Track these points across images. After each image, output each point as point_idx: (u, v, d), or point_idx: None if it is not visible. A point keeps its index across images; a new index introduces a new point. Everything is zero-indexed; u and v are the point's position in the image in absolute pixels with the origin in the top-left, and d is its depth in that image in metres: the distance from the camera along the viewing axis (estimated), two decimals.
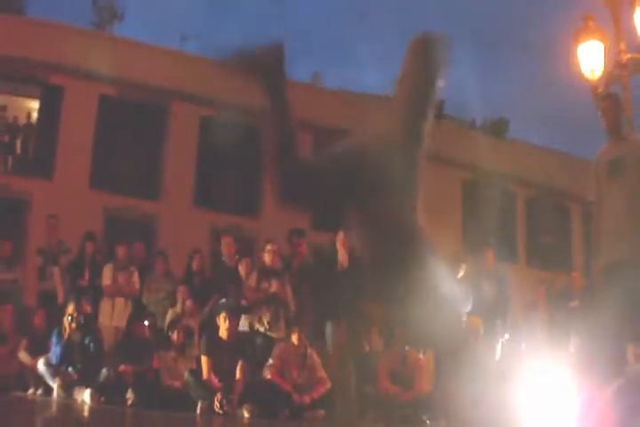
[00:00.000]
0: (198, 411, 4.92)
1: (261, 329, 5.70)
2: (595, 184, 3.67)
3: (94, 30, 12.00)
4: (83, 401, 5.07)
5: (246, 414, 4.86)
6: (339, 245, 5.53)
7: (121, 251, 6.36)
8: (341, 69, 44.00)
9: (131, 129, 10.41)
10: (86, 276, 6.26)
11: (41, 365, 5.38)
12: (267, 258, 5.90)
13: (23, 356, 5.67)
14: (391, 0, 45.86)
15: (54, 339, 5.51)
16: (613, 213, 3.56)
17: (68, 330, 5.51)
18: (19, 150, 10.43)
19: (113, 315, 6.06)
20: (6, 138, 10.46)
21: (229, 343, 5.14)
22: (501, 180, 12.20)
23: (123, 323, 5.94)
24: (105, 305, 6.11)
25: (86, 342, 5.52)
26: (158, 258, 6.68)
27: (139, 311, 6.10)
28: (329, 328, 5.40)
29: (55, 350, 5.47)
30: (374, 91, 15.73)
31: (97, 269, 6.26)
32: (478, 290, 5.99)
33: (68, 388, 5.25)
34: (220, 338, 5.17)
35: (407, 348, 5.41)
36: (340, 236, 5.55)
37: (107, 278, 6.16)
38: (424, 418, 5.21)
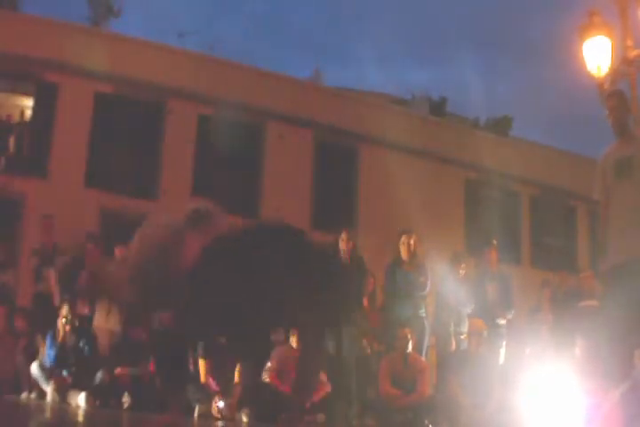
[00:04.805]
0: (196, 415, 4.84)
1: None
2: (601, 183, 3.60)
3: (90, 27, 11.85)
4: (77, 405, 4.99)
5: (245, 418, 4.80)
6: (341, 245, 5.46)
7: (119, 251, 6.25)
8: (342, 68, 43.95)
9: (127, 127, 10.29)
10: (85, 277, 6.14)
11: (35, 368, 5.29)
12: None
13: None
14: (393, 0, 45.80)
15: (48, 342, 5.43)
16: (621, 213, 3.49)
17: (62, 333, 5.42)
18: (12, 149, 10.30)
19: (109, 317, 5.96)
20: None
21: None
22: (505, 179, 12.10)
23: (118, 325, 5.84)
24: (101, 307, 6.00)
25: (81, 344, 5.45)
26: None
27: (135, 314, 5.99)
28: (329, 331, 5.31)
29: (49, 353, 5.39)
30: (374, 89, 15.72)
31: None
32: (481, 292, 5.90)
33: (62, 391, 5.16)
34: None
35: (409, 350, 5.31)
36: (344, 235, 5.49)
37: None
38: (426, 422, 5.14)
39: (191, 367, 5.23)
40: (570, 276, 6.91)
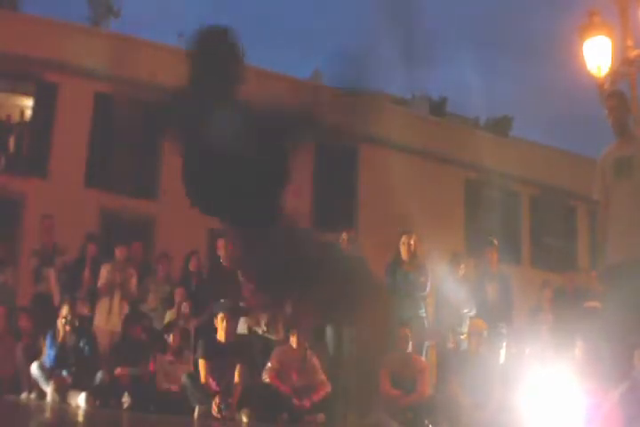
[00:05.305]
0: (196, 415, 4.83)
1: (259, 331, 5.62)
2: (600, 183, 3.60)
3: (90, 26, 11.86)
4: (77, 405, 4.99)
5: (245, 419, 4.79)
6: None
7: (119, 252, 6.25)
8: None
9: (127, 127, 10.28)
10: (86, 277, 6.15)
11: (34, 368, 5.29)
12: None
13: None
14: None
15: (48, 342, 5.42)
16: (620, 213, 3.49)
17: (62, 333, 5.42)
18: (12, 149, 10.31)
19: (109, 317, 5.96)
20: None
21: (228, 346, 5.05)
22: (505, 179, 12.11)
23: (119, 326, 5.84)
24: (101, 307, 6.01)
25: (81, 344, 5.44)
26: (162, 260, 6.56)
27: (135, 314, 6.00)
28: (330, 331, 5.31)
29: (49, 353, 5.38)
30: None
31: (97, 271, 6.15)
32: (481, 292, 5.91)
33: (62, 391, 5.16)
34: (219, 341, 5.07)
35: (409, 350, 5.31)
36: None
37: (103, 278, 6.06)
38: (425, 422, 5.13)
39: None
40: (576, 275, 6.89)
